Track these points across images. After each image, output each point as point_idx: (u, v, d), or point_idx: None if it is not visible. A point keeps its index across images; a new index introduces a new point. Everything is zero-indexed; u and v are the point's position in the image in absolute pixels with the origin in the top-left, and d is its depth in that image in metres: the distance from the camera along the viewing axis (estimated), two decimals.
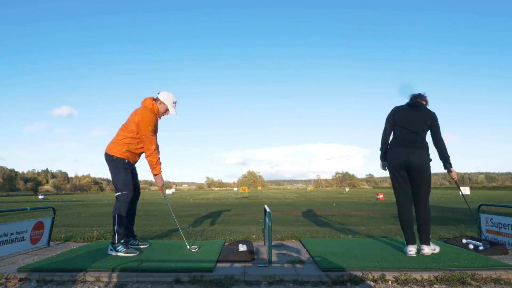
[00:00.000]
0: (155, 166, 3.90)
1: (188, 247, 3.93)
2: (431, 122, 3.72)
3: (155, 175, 3.95)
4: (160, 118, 4.06)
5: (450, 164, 3.67)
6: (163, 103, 3.97)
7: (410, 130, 3.70)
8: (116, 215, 3.74)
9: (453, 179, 3.76)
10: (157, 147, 4.03)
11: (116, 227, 3.72)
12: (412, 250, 3.60)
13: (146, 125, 3.79)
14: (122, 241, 3.74)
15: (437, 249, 3.71)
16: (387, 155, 3.85)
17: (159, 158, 3.96)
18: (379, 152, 3.96)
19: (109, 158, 3.88)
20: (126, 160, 3.89)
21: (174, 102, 4.03)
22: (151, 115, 3.87)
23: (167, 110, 4.02)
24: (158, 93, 4.02)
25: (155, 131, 4.00)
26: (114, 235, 3.72)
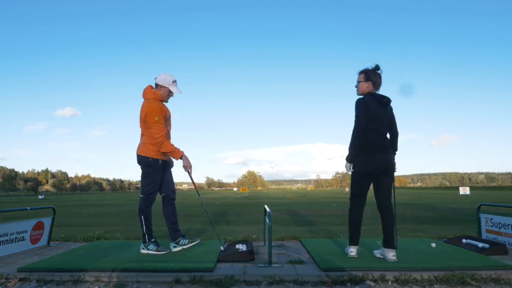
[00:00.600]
0: (173, 152, 3.71)
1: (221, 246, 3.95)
2: (393, 117, 3.59)
3: (179, 159, 3.74)
4: (167, 101, 3.95)
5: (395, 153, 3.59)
6: (163, 86, 3.82)
7: (382, 134, 3.46)
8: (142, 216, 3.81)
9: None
10: (168, 135, 3.88)
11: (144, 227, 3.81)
12: (354, 251, 3.54)
13: (152, 117, 3.68)
14: (153, 240, 3.82)
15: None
16: (359, 160, 3.44)
17: (172, 144, 3.74)
18: (349, 151, 3.47)
19: (145, 160, 3.77)
20: (160, 160, 3.82)
21: (174, 81, 3.86)
22: (159, 105, 3.77)
23: (170, 92, 3.87)
24: (155, 78, 3.88)
25: (166, 118, 3.85)
26: (144, 235, 3.82)
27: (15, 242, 4.00)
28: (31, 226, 4.27)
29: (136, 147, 3.89)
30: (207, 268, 3.10)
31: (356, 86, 3.64)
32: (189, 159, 3.73)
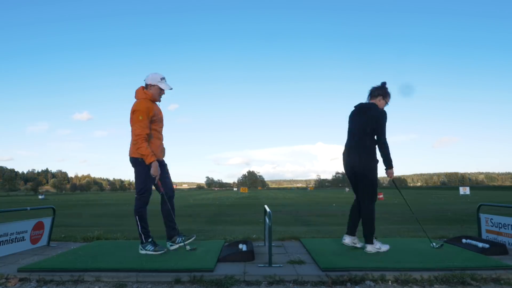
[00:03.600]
0: (145, 155, 3.65)
1: (187, 248, 3.88)
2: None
3: (148, 164, 3.71)
4: (159, 101, 3.97)
5: None
6: (152, 85, 3.84)
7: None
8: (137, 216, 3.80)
9: None
10: (158, 136, 3.89)
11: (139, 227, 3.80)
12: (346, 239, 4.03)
13: (137, 115, 3.68)
14: (150, 240, 3.79)
15: (383, 248, 3.76)
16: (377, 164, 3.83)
17: (147, 148, 3.67)
18: (390, 158, 3.79)
19: (134, 160, 3.77)
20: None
21: (162, 78, 3.90)
22: (146, 104, 3.76)
23: (160, 89, 3.89)
24: (145, 80, 3.91)
25: (155, 120, 3.83)
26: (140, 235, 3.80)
27: (15, 242, 4.00)
28: (31, 226, 4.27)
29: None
30: (207, 268, 3.10)
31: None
32: (158, 168, 3.73)
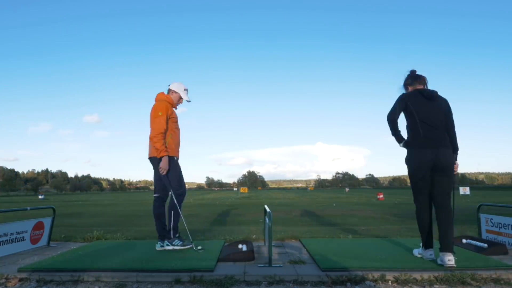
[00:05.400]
0: (159, 150, 3.81)
1: (194, 248, 3.89)
2: (448, 112, 3.39)
3: (159, 157, 3.85)
4: (176, 107, 4.20)
5: (456, 154, 3.41)
6: (175, 92, 4.13)
7: (433, 127, 3.28)
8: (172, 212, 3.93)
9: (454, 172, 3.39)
10: (174, 135, 4.02)
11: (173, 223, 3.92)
12: (423, 254, 3.47)
13: (156, 111, 3.89)
14: (177, 235, 3.93)
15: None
16: (412, 155, 3.37)
17: (162, 144, 3.81)
18: (394, 136, 3.45)
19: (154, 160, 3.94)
20: (175, 157, 4.02)
21: (186, 89, 4.18)
22: (164, 104, 3.97)
23: (180, 98, 4.16)
24: (169, 85, 4.18)
25: (172, 119, 4.01)
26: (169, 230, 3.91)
27: (15, 242, 4.00)
28: (31, 226, 4.28)
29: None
30: (207, 268, 3.10)
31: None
32: (167, 163, 3.86)
